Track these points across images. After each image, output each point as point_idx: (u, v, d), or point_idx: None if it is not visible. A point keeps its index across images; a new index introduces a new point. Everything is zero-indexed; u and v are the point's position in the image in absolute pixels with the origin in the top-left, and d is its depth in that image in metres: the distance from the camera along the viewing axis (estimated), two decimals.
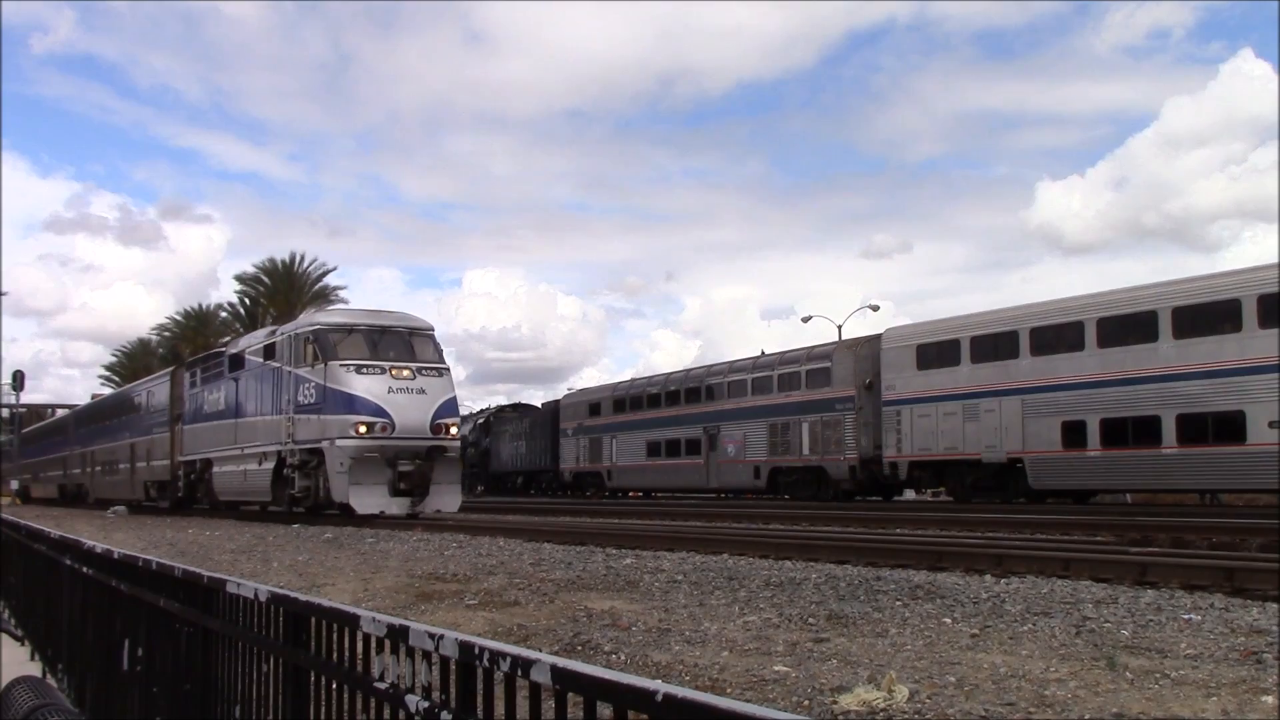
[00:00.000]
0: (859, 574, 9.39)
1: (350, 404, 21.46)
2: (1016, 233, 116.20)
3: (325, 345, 22.54)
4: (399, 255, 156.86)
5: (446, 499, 22.56)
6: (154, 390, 36.28)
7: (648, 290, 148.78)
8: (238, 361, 27.40)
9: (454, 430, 22.72)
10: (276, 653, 3.24)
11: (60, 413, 66.54)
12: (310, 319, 25.72)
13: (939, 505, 27.10)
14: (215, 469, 28.80)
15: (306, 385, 22.78)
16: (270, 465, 24.61)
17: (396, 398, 21.74)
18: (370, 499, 21.26)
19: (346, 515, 22.16)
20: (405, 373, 22.19)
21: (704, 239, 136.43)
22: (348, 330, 23.03)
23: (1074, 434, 22.63)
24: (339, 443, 21.41)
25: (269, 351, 25.15)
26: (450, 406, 22.73)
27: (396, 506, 21.52)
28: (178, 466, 32.49)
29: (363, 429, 21.28)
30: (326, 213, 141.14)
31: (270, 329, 28.83)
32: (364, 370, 21.92)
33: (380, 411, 21.43)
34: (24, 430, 62.69)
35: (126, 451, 39.05)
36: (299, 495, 23.20)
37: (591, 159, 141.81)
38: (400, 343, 23.09)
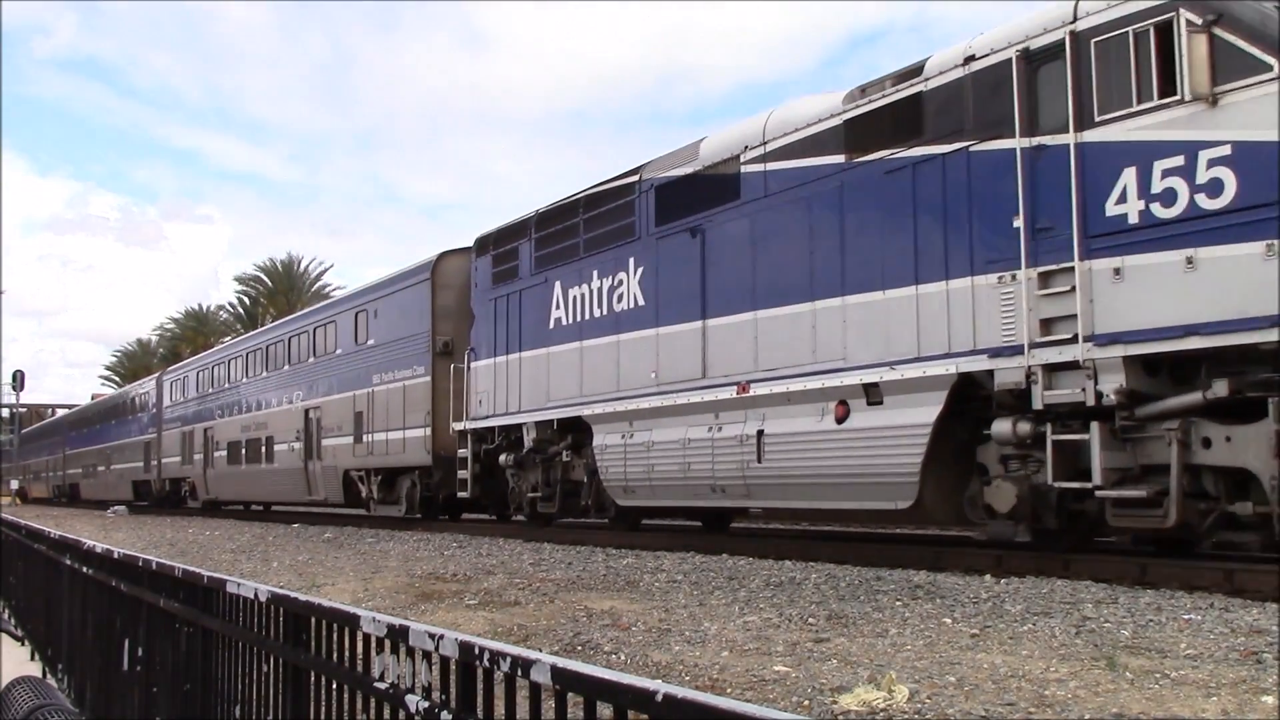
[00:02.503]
0: (859, 574, 9.38)
1: None
2: None
3: None
4: (399, 255, 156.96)
5: None
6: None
7: None
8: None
9: None
10: (276, 653, 3.24)
11: (60, 412, 66.45)
12: None
13: None
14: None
15: None
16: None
17: None
18: None
19: None
20: None
21: None
22: None
23: None
24: None
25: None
26: None
27: None
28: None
29: None
30: (326, 212, 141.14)
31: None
32: None
33: None
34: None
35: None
36: None
37: (591, 159, 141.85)
38: None
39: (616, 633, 6.92)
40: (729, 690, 5.18)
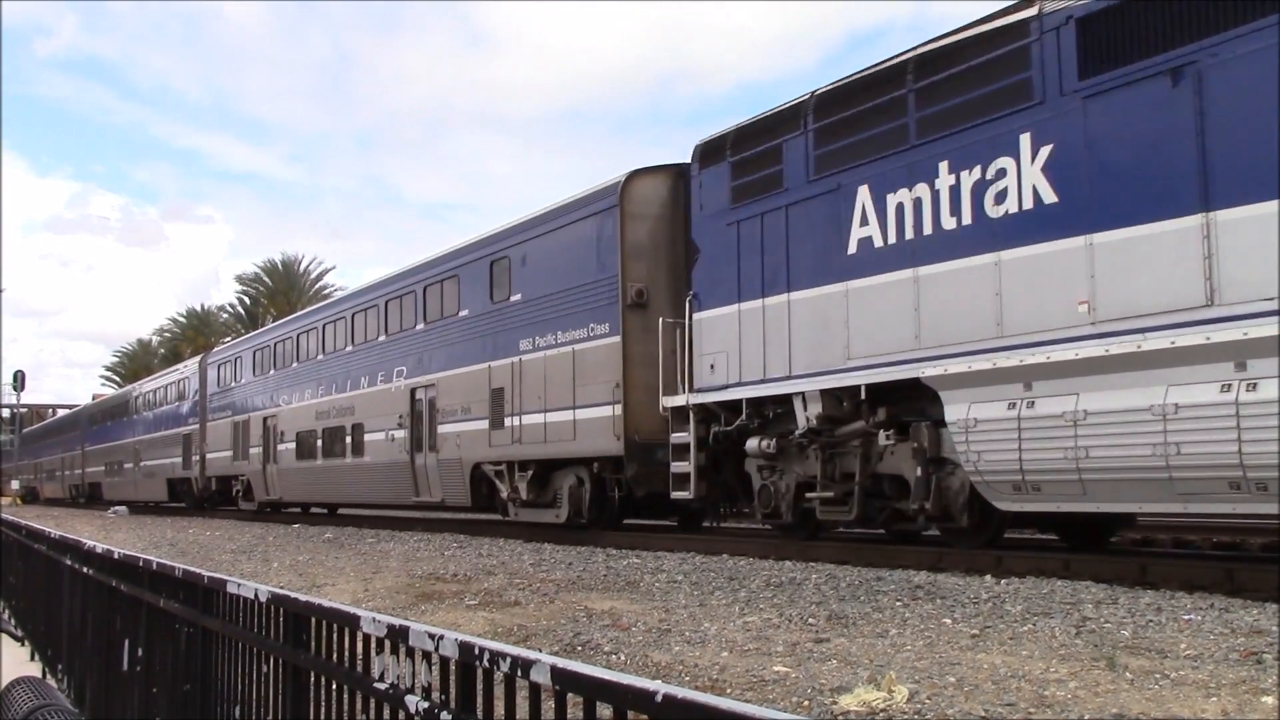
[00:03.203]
0: (859, 574, 9.38)
1: None
2: None
3: None
4: (399, 255, 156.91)
5: None
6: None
7: None
8: None
9: None
10: (276, 653, 3.24)
11: (61, 412, 66.55)
12: None
13: None
14: None
15: None
16: None
17: None
18: None
19: None
20: None
21: None
22: None
23: None
24: None
25: None
26: None
27: None
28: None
29: None
30: (327, 213, 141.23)
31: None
32: None
33: None
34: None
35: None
36: None
37: (591, 159, 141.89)
38: None
39: (617, 633, 6.92)
40: (729, 691, 5.18)
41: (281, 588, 3.85)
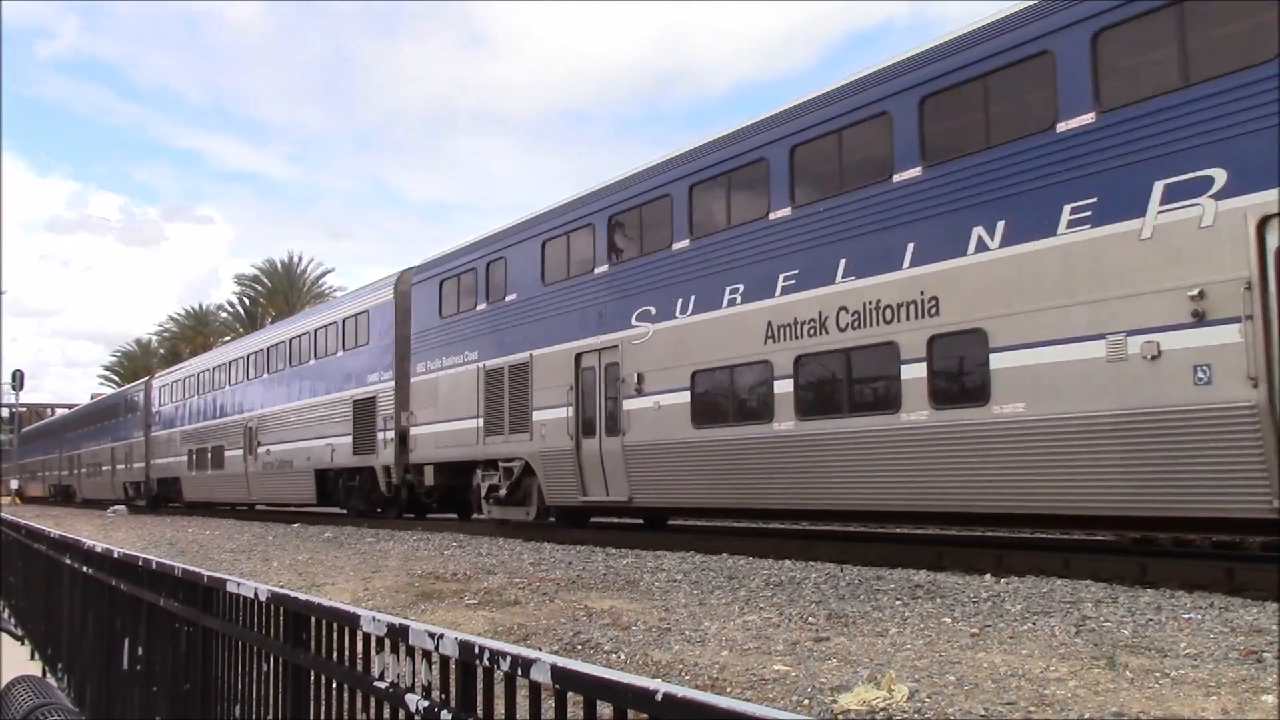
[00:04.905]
0: (859, 573, 9.38)
1: None
2: None
3: None
4: (399, 255, 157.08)
5: None
6: None
7: None
8: None
9: None
10: (276, 652, 3.24)
11: (59, 412, 66.57)
12: None
13: None
14: None
15: None
16: None
17: None
18: None
19: None
20: None
21: None
22: None
23: None
24: None
25: None
26: None
27: None
28: None
29: None
30: (326, 213, 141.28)
31: None
32: None
33: None
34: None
35: None
36: None
37: (591, 159, 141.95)
38: None
39: (616, 632, 6.92)
40: (729, 689, 5.18)
41: (281, 587, 3.85)
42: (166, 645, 4.48)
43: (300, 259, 64.55)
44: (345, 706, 2.79)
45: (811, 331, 11.65)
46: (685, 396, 13.38)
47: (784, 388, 11.91)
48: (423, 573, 11.03)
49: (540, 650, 2.23)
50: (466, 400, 18.12)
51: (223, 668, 3.76)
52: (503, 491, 17.04)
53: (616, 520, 17.74)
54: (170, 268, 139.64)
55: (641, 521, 17.06)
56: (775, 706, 4.01)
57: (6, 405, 66.55)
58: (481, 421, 17.66)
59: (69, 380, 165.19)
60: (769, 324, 12.14)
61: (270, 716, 3.33)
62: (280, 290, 62.09)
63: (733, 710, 1.46)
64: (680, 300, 13.56)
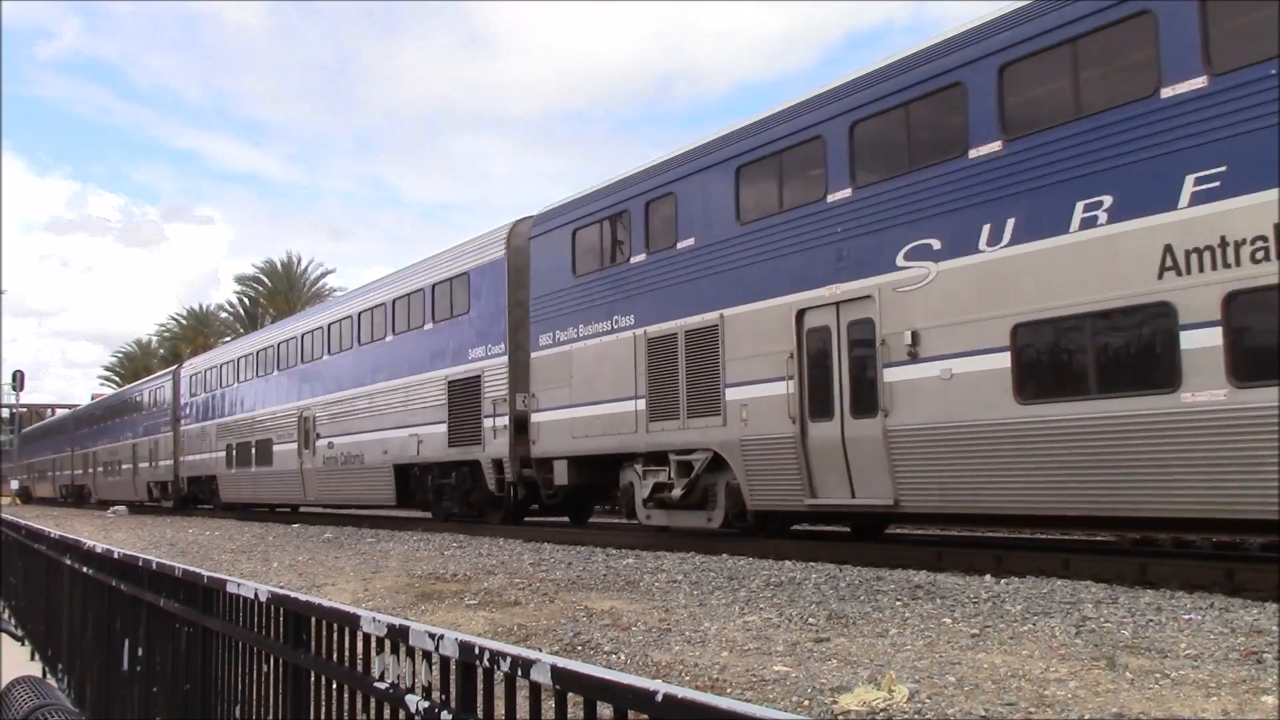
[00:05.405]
0: (859, 574, 9.38)
1: None
2: None
3: None
4: (399, 255, 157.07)
5: None
6: None
7: None
8: None
9: None
10: (276, 653, 3.24)
11: (60, 412, 66.50)
12: None
13: None
14: None
15: None
16: None
17: None
18: None
19: None
20: None
21: None
22: None
23: None
24: None
25: None
26: None
27: None
28: None
29: None
30: (326, 213, 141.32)
31: None
32: None
33: None
34: None
35: None
36: None
37: (591, 159, 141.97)
38: None
39: (617, 633, 6.92)
40: (729, 690, 5.18)
41: (281, 587, 3.85)
42: (166, 646, 4.48)
43: (300, 259, 64.63)
44: (345, 707, 2.79)
45: (1257, 256, 7.93)
46: (1001, 360, 9.71)
47: (1201, 340, 8.24)
48: (423, 573, 11.03)
49: (540, 651, 2.23)
50: (618, 377, 14.45)
51: (223, 668, 3.76)
52: (676, 491, 13.44)
53: (826, 527, 14.54)
54: (170, 268, 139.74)
55: (849, 529, 13.92)
56: (775, 707, 4.01)
57: (7, 406, 66.59)
58: (643, 403, 13.99)
59: (69, 381, 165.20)
60: (1166, 249, 8.48)
61: (270, 717, 3.32)
62: (280, 290, 62.10)
63: (733, 711, 1.46)
64: (989, 226, 9.88)
